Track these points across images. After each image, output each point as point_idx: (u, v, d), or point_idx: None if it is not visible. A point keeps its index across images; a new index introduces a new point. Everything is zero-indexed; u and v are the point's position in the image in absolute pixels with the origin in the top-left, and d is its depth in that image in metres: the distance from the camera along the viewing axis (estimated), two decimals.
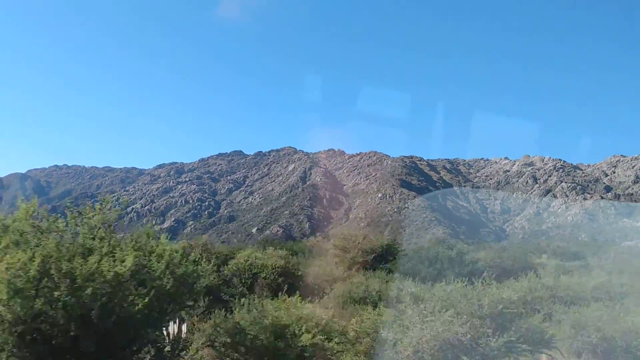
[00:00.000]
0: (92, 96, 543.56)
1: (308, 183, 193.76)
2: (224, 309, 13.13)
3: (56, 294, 8.37)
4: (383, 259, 31.39)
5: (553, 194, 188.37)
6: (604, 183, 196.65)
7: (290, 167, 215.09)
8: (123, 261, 9.00)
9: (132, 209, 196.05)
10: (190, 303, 11.55)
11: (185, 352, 11.13)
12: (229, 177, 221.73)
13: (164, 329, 10.74)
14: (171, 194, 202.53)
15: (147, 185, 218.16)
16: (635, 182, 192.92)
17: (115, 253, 9.37)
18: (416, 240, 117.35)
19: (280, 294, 15.20)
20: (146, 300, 8.84)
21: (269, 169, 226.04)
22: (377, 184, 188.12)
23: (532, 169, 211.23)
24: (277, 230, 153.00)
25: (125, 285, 8.95)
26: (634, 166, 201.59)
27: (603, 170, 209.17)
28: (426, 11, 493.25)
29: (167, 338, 10.93)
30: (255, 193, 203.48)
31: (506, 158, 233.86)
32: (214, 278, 17.77)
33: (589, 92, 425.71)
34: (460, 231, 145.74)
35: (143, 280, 9.41)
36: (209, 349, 12.36)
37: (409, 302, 11.12)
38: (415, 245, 65.46)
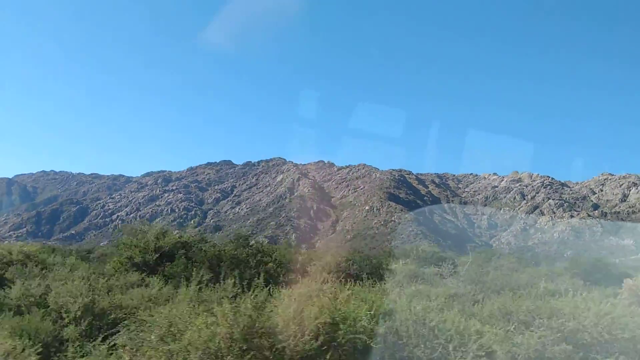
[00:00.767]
0: (85, 103, 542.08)
1: (296, 194, 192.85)
2: None
3: None
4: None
5: (540, 211, 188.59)
6: (592, 201, 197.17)
7: (279, 178, 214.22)
8: None
9: (117, 216, 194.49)
10: None
11: None
12: (216, 187, 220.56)
13: None
14: (157, 202, 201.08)
15: (133, 193, 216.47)
16: (622, 201, 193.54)
17: None
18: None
19: None
20: None
21: (257, 179, 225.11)
22: (365, 197, 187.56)
23: (520, 185, 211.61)
24: (263, 241, 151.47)
25: None
26: (622, 185, 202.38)
27: (591, 188, 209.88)
28: (423, 30, 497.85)
29: None
30: (243, 203, 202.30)
31: (495, 174, 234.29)
32: None
33: (579, 111, 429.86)
34: (446, 245, 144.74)
35: None
36: None
37: None
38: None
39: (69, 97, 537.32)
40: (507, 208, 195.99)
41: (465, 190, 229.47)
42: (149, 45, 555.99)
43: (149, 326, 8.32)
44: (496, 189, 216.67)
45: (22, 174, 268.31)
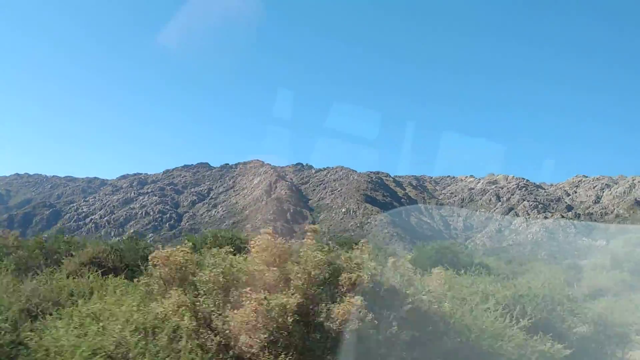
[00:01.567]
0: (60, 105, 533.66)
1: (272, 196, 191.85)
2: None
3: None
4: None
5: (515, 212, 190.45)
6: (566, 202, 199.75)
7: (256, 180, 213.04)
8: None
9: (91, 219, 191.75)
10: None
11: None
12: (193, 189, 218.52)
13: None
14: (132, 205, 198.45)
15: (107, 196, 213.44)
16: (595, 202, 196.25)
17: None
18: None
19: None
20: None
21: (234, 181, 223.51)
22: (341, 199, 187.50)
23: (496, 187, 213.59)
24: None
25: None
26: (595, 186, 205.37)
27: (565, 190, 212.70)
28: (398, 31, 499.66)
29: None
30: (219, 206, 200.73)
31: (472, 176, 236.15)
32: None
33: (555, 114, 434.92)
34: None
35: None
36: None
37: None
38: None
39: (43, 98, 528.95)
40: (483, 210, 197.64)
41: (443, 192, 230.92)
42: (128, 45, 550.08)
43: None
44: (472, 190, 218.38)
45: None
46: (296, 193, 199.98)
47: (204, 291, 10.42)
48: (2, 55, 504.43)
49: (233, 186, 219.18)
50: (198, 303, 10.05)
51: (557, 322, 15.02)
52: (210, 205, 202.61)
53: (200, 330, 9.82)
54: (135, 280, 12.07)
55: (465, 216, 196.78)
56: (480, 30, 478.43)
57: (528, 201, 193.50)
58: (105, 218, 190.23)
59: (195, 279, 10.85)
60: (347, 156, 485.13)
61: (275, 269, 10.54)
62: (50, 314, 10.75)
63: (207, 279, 10.44)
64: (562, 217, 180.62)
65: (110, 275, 15.48)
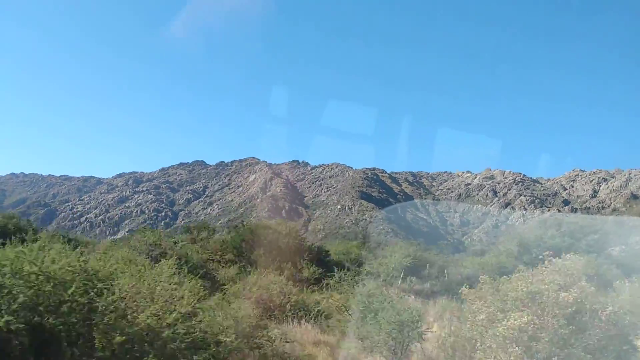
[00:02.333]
0: (55, 104, 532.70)
1: (268, 194, 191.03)
2: None
3: None
4: None
5: (512, 207, 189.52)
6: (563, 197, 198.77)
7: (251, 178, 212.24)
8: None
9: (86, 218, 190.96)
10: None
11: None
12: (188, 188, 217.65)
13: None
14: (127, 204, 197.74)
15: (103, 195, 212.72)
16: (592, 197, 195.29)
17: None
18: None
19: None
20: None
21: (229, 179, 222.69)
22: (337, 196, 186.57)
23: (492, 182, 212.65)
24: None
25: None
26: (592, 181, 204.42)
27: (562, 185, 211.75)
28: (394, 28, 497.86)
29: None
30: (215, 204, 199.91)
31: (468, 171, 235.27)
32: None
33: (550, 108, 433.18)
34: (417, 243, 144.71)
35: None
36: None
37: None
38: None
39: (39, 97, 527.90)
40: (480, 205, 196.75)
41: (439, 188, 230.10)
42: (125, 44, 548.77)
43: None
44: (469, 186, 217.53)
45: None
46: (292, 190, 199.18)
47: None
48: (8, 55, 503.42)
49: (229, 184, 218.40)
50: None
51: None
52: (206, 203, 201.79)
53: None
54: None
55: (462, 212, 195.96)
56: (476, 25, 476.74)
57: (525, 196, 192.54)
58: (100, 217, 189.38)
59: None
60: (343, 153, 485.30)
61: None
62: None
63: None
64: (559, 211, 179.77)
65: None
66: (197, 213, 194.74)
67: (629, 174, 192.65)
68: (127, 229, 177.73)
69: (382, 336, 14.11)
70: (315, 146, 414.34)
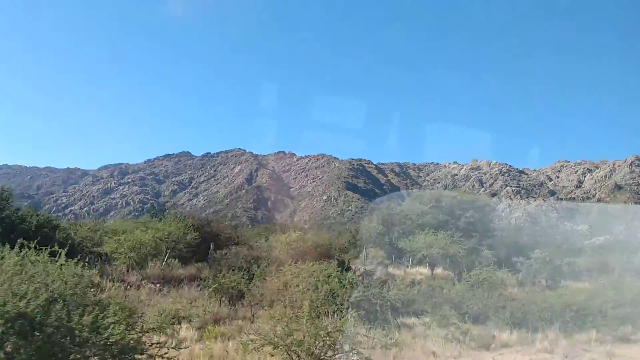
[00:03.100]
0: (40, 94, 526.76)
1: (253, 185, 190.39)
2: None
3: None
4: None
5: (498, 198, 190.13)
6: (548, 187, 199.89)
7: (237, 169, 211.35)
8: None
9: (71, 210, 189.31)
10: None
11: None
12: (174, 179, 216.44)
13: None
14: (112, 195, 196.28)
15: (88, 187, 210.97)
16: (577, 187, 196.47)
17: None
18: None
19: None
20: None
21: (215, 170, 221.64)
22: (323, 187, 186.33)
23: (478, 173, 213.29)
24: None
25: None
26: (577, 171, 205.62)
27: (547, 175, 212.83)
28: (384, 21, 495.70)
29: None
30: (200, 195, 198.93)
31: (455, 162, 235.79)
32: None
33: (536, 100, 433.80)
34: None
35: None
36: None
37: None
38: None
39: (23, 88, 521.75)
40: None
41: (426, 179, 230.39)
42: (104, 41, 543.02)
43: None
44: (456, 177, 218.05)
45: None
46: (278, 181, 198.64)
47: None
48: None
49: (214, 175, 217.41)
50: None
51: None
52: (192, 195, 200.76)
53: None
54: None
55: None
56: (464, 19, 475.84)
57: (511, 187, 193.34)
58: (85, 209, 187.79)
59: None
60: (332, 146, 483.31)
61: None
62: None
63: None
64: (544, 201, 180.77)
65: None
66: (182, 204, 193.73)
67: (613, 164, 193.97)
68: (112, 221, 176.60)
69: None
70: (302, 138, 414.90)
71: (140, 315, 11.24)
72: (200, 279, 23.77)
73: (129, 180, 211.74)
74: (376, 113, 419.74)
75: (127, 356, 9.33)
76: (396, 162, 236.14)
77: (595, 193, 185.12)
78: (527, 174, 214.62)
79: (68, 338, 8.65)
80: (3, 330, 8.19)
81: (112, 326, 9.06)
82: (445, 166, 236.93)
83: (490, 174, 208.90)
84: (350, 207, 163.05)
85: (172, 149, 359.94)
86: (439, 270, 34.17)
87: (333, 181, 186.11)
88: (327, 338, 11.71)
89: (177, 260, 26.82)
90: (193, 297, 21.08)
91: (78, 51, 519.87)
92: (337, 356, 11.91)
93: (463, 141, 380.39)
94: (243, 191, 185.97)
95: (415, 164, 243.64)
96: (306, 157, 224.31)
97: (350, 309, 17.11)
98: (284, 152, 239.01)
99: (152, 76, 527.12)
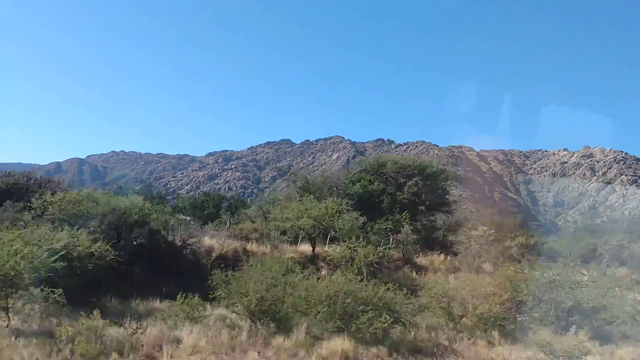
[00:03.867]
0: (154, 88, 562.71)
1: None
2: None
3: None
4: None
5: (612, 187, 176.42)
6: None
7: (335, 156, 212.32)
8: None
9: (179, 194, 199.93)
10: None
11: None
12: (274, 166, 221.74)
13: None
14: (216, 181, 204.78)
15: (195, 172, 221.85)
16: None
17: None
18: None
19: None
20: None
21: (313, 157, 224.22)
22: None
23: (591, 160, 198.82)
24: None
25: None
26: None
27: None
28: (504, 5, 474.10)
29: None
30: (298, 182, 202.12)
31: (565, 149, 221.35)
32: None
33: None
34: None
35: None
36: None
37: None
38: None
39: (135, 84, 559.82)
40: (576, 185, 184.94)
41: (533, 166, 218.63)
42: (204, 37, 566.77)
43: None
44: (565, 164, 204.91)
45: (93, 154, 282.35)
46: None
47: None
48: (92, 47, 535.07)
49: (313, 162, 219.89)
50: None
51: None
52: (290, 181, 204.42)
53: None
54: None
55: (556, 191, 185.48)
56: (579, 7, 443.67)
57: (626, 175, 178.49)
58: (191, 193, 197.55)
59: None
60: (431, 134, 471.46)
61: None
62: None
63: None
64: None
65: None
66: (281, 190, 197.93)
67: None
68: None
69: None
70: (401, 125, 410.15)
71: None
72: None
73: (232, 166, 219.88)
74: (484, 97, 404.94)
75: None
76: (500, 150, 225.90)
77: None
78: None
79: None
80: None
81: None
82: (554, 153, 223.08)
83: (604, 162, 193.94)
84: None
85: (273, 137, 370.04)
86: None
87: None
88: None
89: None
90: None
91: (183, 50, 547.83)
92: None
93: (577, 127, 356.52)
94: None
95: (521, 151, 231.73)
96: (404, 144, 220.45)
97: None
98: (382, 139, 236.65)
99: (257, 65, 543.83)
